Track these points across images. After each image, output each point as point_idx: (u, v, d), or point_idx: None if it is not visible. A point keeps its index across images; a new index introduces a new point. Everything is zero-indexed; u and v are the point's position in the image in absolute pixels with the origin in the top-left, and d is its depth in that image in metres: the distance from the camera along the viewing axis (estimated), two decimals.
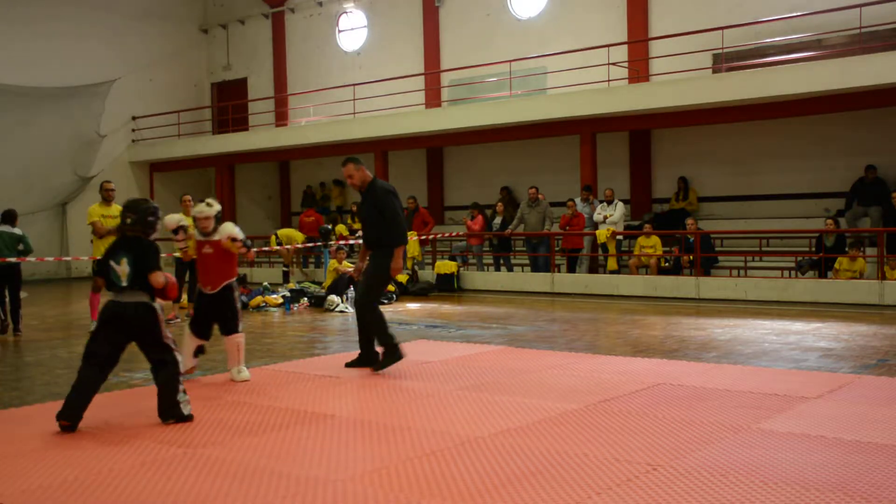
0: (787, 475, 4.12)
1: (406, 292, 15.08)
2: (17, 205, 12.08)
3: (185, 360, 6.85)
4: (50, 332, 10.90)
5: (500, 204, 17.35)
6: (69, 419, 5.28)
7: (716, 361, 7.60)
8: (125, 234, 5.52)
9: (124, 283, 5.36)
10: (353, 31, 23.01)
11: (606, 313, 12.02)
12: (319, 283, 15.17)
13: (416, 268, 16.20)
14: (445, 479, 4.16)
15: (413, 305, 13.54)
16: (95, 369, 5.38)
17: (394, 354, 7.14)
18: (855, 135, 15.41)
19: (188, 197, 12.13)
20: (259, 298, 13.42)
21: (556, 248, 15.78)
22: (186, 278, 11.92)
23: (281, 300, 13.43)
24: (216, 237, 6.91)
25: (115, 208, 10.92)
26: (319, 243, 16.53)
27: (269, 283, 14.75)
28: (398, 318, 11.71)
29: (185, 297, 11.92)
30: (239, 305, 7.04)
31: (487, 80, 18.99)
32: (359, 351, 7.49)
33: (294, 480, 4.19)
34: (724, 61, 15.19)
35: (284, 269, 16.78)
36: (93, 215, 10.70)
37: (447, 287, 16.02)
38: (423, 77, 20.56)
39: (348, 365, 7.44)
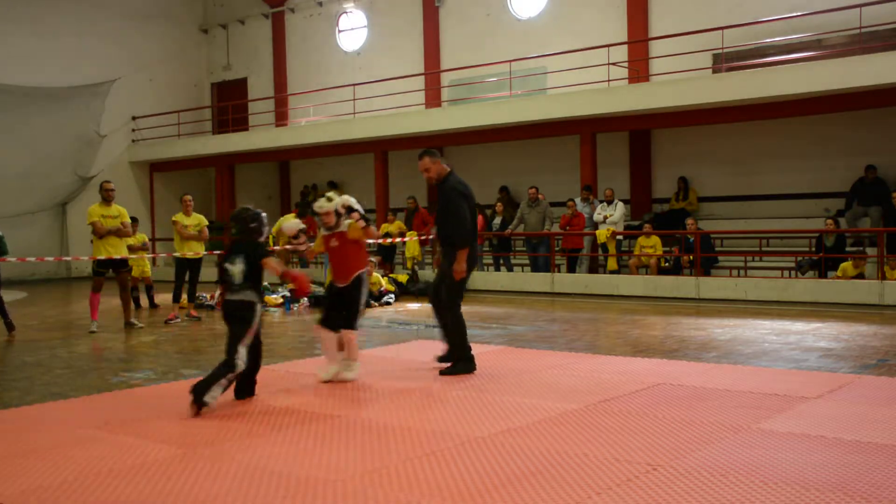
0: (787, 475, 4.12)
1: (406, 292, 15.07)
2: (17, 205, 12.09)
3: (329, 361, 6.78)
4: (50, 332, 10.89)
5: (499, 204, 17.35)
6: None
7: (716, 361, 7.59)
8: (236, 240, 6.08)
9: (238, 281, 5.88)
10: (353, 31, 23.01)
11: (606, 313, 12.01)
12: (320, 284, 15.16)
13: (416, 268, 16.20)
14: (445, 479, 4.16)
15: (413, 305, 13.53)
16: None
17: (467, 365, 7.00)
18: (855, 135, 15.40)
19: (188, 197, 12.11)
20: None
21: (556, 248, 15.78)
22: (186, 278, 11.92)
23: (281, 300, 13.43)
24: (340, 230, 6.81)
25: (115, 208, 10.90)
26: None
27: (269, 284, 14.73)
28: (398, 318, 11.73)
29: (184, 297, 11.91)
30: (363, 300, 6.88)
31: (487, 80, 18.99)
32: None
33: (294, 480, 4.19)
34: (724, 61, 15.19)
35: None
36: (93, 215, 10.67)
37: None
38: (423, 77, 20.57)
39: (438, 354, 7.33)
